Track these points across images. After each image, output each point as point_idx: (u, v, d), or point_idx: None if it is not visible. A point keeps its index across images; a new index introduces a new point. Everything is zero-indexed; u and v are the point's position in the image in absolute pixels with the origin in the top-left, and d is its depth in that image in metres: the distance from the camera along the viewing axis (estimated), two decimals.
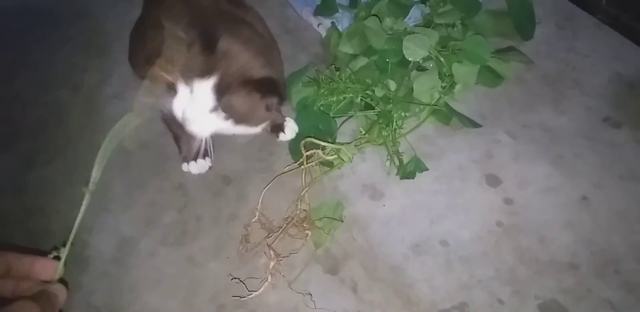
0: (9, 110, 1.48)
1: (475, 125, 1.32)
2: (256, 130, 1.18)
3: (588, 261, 1.12)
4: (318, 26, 1.63)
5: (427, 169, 1.25)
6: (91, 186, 0.86)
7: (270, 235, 1.16)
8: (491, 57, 1.37)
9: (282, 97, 1.10)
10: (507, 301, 1.08)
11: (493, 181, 1.25)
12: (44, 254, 0.75)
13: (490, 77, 1.41)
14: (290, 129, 1.35)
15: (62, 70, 1.57)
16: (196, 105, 1.00)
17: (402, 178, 1.25)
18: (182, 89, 1.02)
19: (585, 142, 1.30)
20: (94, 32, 1.67)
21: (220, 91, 1.00)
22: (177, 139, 1.30)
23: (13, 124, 1.45)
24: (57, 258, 0.77)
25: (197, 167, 1.30)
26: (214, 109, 1.01)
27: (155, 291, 1.14)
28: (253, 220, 1.18)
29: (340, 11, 1.59)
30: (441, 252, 1.15)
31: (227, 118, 1.04)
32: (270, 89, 1.06)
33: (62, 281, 0.74)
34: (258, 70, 1.06)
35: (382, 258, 1.15)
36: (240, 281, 1.13)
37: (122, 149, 1.28)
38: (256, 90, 1.03)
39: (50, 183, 1.32)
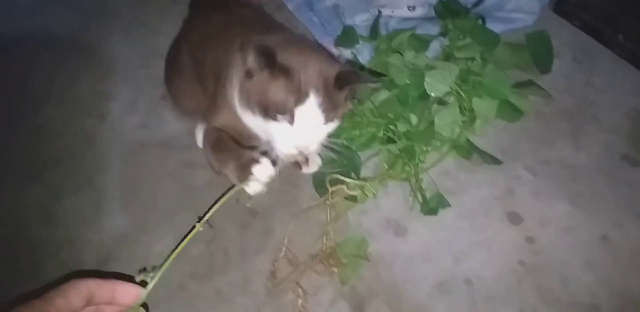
0: (37, 140, 1.51)
1: (496, 161, 1.35)
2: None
3: (608, 302, 1.15)
4: (338, 57, 1.66)
5: (449, 206, 1.28)
6: (202, 223, 0.87)
7: (296, 271, 1.19)
8: (510, 91, 1.40)
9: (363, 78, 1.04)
10: None
11: (514, 218, 1.27)
12: (126, 277, 0.76)
13: (509, 111, 1.44)
14: (314, 162, 1.37)
15: (88, 99, 1.60)
16: (306, 128, 0.96)
17: (425, 214, 1.28)
18: (277, 127, 0.97)
19: (603, 180, 1.33)
20: (118, 59, 1.70)
21: (325, 105, 0.95)
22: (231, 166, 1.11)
23: (41, 154, 1.47)
24: (144, 282, 0.78)
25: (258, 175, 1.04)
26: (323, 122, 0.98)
27: None
28: (280, 255, 1.21)
29: (360, 42, 1.61)
30: (465, 291, 1.17)
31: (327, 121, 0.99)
32: (349, 76, 0.98)
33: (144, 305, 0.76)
34: (329, 66, 0.99)
35: (407, 296, 1.17)
36: None
37: (149, 180, 1.32)
38: (345, 85, 0.98)
39: (79, 214, 1.34)
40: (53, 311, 0.64)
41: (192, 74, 1.24)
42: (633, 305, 1.13)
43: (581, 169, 1.35)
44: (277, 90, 0.95)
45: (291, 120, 0.96)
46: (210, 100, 1.14)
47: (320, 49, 1.13)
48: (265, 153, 1.05)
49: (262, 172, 1.02)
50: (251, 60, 0.95)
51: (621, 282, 1.16)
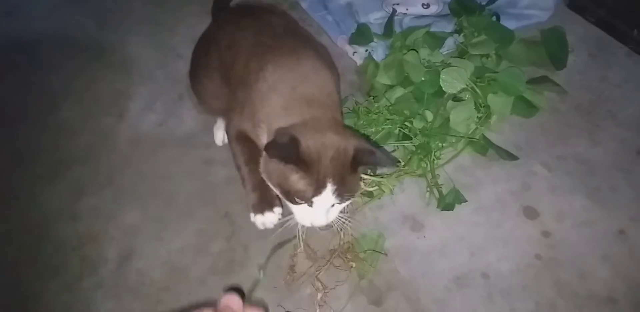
0: (57, 139, 1.53)
1: (512, 157, 1.36)
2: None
3: (625, 295, 1.15)
4: (353, 54, 1.67)
5: (466, 201, 1.29)
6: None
7: (315, 265, 1.20)
8: (526, 88, 1.41)
9: (377, 156, 1.01)
10: None
11: (531, 213, 1.28)
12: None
13: (525, 107, 1.45)
14: None
15: (106, 98, 1.62)
16: (322, 211, 1.00)
17: (442, 210, 1.29)
18: (297, 206, 1.02)
19: (620, 175, 1.33)
20: (135, 59, 1.72)
21: (340, 190, 0.97)
22: (252, 188, 1.14)
23: (61, 152, 1.50)
24: None
25: (268, 220, 1.11)
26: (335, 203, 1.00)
27: None
28: (298, 250, 1.22)
29: (375, 40, 1.63)
30: (482, 285, 1.18)
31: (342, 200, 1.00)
32: (364, 159, 1.00)
33: None
34: (346, 145, 0.99)
35: (425, 290, 1.18)
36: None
37: (168, 177, 1.34)
38: (359, 165, 1.01)
39: (102, 211, 1.37)
40: None
41: (220, 76, 1.25)
42: None
43: (597, 164, 1.35)
44: (297, 181, 0.97)
45: (310, 204, 0.99)
46: (239, 106, 1.15)
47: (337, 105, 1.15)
48: None
49: (266, 222, 1.10)
50: (272, 144, 0.96)
51: (638, 275, 1.17)
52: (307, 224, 1.03)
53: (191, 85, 1.40)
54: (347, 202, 1.04)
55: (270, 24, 1.23)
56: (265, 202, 1.10)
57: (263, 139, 1.08)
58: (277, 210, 1.10)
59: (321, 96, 1.08)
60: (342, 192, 0.97)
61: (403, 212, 1.31)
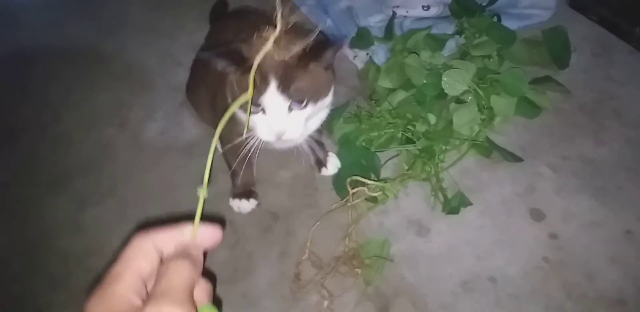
0: (58, 150, 1.53)
1: (517, 159, 1.35)
2: (330, 98, 1.05)
3: (635, 296, 1.14)
4: (354, 58, 1.67)
5: (471, 204, 1.28)
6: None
7: (320, 273, 1.20)
8: (529, 88, 1.40)
9: (334, 46, 0.96)
10: None
11: (537, 215, 1.27)
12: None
13: (528, 108, 1.44)
14: (333, 164, 1.38)
15: (107, 107, 1.62)
16: (275, 114, 0.96)
17: (447, 213, 1.28)
18: (256, 119, 0.98)
19: (626, 174, 1.32)
20: (135, 68, 1.72)
21: (285, 86, 0.93)
22: (234, 174, 1.31)
23: (63, 164, 1.50)
24: None
25: (242, 206, 1.33)
26: (291, 107, 0.96)
27: None
28: (303, 257, 1.22)
29: (375, 43, 1.62)
30: (490, 289, 1.17)
31: (304, 104, 0.97)
32: (319, 48, 0.93)
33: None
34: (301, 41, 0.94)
35: (432, 296, 1.17)
36: None
37: (171, 187, 1.34)
38: (310, 59, 0.94)
39: (106, 222, 1.36)
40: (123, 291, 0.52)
41: (206, 83, 1.26)
42: None
43: (603, 163, 1.34)
44: (241, 84, 0.96)
45: (264, 110, 0.96)
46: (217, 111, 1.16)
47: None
48: None
49: (241, 207, 1.34)
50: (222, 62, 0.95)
51: None
52: (271, 137, 0.98)
53: (186, 94, 1.39)
54: (308, 108, 0.98)
55: (252, 23, 1.23)
56: (245, 193, 1.33)
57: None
58: (253, 201, 1.34)
59: None
60: (289, 88, 0.93)
61: (408, 217, 1.30)
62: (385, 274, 1.20)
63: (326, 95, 1.03)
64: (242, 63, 0.93)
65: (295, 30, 1.10)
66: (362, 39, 1.63)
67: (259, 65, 0.90)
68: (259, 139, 1.01)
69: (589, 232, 1.23)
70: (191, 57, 1.43)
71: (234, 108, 0.59)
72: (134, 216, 1.36)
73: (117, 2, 1.92)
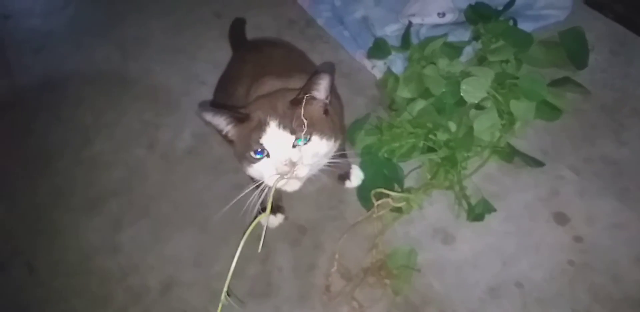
0: (92, 173, 1.60)
1: (539, 164, 1.36)
2: (332, 143, 1.05)
3: None
4: (372, 68, 1.69)
5: (495, 210, 1.30)
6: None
7: (350, 284, 1.23)
8: (548, 91, 1.40)
9: (325, 77, 0.99)
10: None
11: (561, 218, 1.28)
12: None
13: (548, 111, 1.44)
14: (356, 176, 1.41)
15: (135, 129, 1.68)
16: (280, 153, 0.98)
17: (472, 221, 1.29)
18: (261, 166, 1.02)
19: None
20: (160, 88, 1.77)
21: (286, 122, 0.97)
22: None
23: (97, 185, 1.56)
24: None
25: (271, 221, 1.37)
26: (295, 144, 0.98)
27: None
28: (333, 270, 1.25)
29: (393, 53, 1.64)
30: (517, 295, 1.19)
31: (309, 138, 0.99)
32: (312, 81, 0.99)
33: None
34: (294, 83, 1.08)
35: (460, 303, 1.20)
36: None
37: (201, 204, 1.38)
38: (306, 92, 0.98)
39: (140, 241, 1.42)
40: None
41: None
42: None
43: (626, 164, 1.34)
44: (244, 134, 1.01)
45: (267, 153, 0.99)
46: None
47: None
48: None
49: (270, 222, 1.35)
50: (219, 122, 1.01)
51: None
52: (276, 181, 0.98)
53: None
54: (320, 145, 1.01)
55: (269, 55, 1.27)
56: (273, 209, 1.31)
57: None
58: (280, 216, 1.37)
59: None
60: (291, 123, 0.96)
61: (433, 225, 1.32)
62: (413, 283, 1.23)
63: (333, 125, 1.06)
64: (241, 120, 1.00)
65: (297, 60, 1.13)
66: (380, 49, 1.65)
67: (252, 116, 0.98)
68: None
69: (613, 234, 1.24)
70: (214, 76, 1.46)
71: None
72: (167, 235, 1.41)
73: (139, 24, 1.96)
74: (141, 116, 1.70)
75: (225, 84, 1.34)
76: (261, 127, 0.97)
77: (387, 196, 1.27)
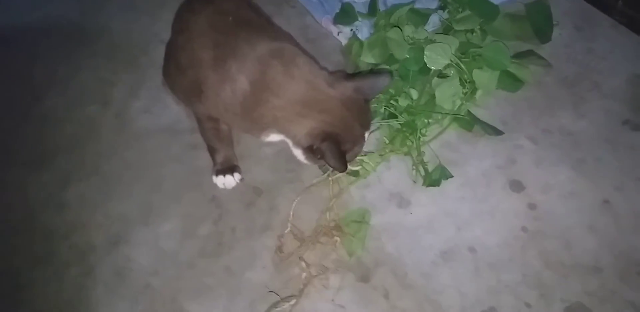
0: (42, 129, 1.54)
1: (498, 132, 1.36)
2: None
3: (611, 264, 1.16)
4: (338, 34, 1.66)
5: (452, 177, 1.29)
6: None
7: (302, 245, 1.22)
8: (511, 62, 1.40)
9: None
10: (534, 305, 1.12)
11: (517, 186, 1.28)
12: None
13: (510, 82, 1.44)
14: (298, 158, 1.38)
15: (90, 86, 1.62)
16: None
17: (427, 186, 1.29)
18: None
19: (605, 146, 1.33)
20: (119, 46, 1.72)
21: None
22: (212, 151, 1.35)
23: (47, 142, 1.51)
24: None
25: (227, 182, 1.34)
26: None
27: (196, 301, 1.20)
28: (286, 231, 1.24)
29: (359, 19, 1.61)
30: (469, 259, 1.19)
31: None
32: (365, 89, 1.16)
33: None
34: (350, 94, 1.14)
35: (412, 265, 1.19)
36: (276, 293, 1.18)
37: (154, 163, 1.34)
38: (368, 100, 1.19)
39: (89, 199, 1.37)
40: None
41: (181, 61, 1.25)
42: (635, 266, 1.14)
43: (583, 136, 1.35)
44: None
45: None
46: (199, 92, 1.17)
47: None
48: None
49: (226, 183, 1.34)
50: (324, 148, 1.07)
51: (624, 244, 1.17)
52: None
53: (163, 74, 1.39)
54: None
55: (222, 11, 1.23)
56: (229, 169, 1.34)
57: (263, 135, 1.18)
58: (237, 176, 1.34)
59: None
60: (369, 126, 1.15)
61: (390, 190, 1.31)
62: (367, 246, 1.22)
63: None
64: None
65: None
66: (346, 14, 1.62)
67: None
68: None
69: (568, 202, 1.24)
70: None
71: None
72: (117, 193, 1.38)
73: None
74: (97, 73, 1.65)
75: (177, 52, 1.27)
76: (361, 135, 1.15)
77: None
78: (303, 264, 1.18)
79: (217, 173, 1.34)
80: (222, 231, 1.29)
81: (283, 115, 1.08)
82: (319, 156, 1.08)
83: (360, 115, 1.11)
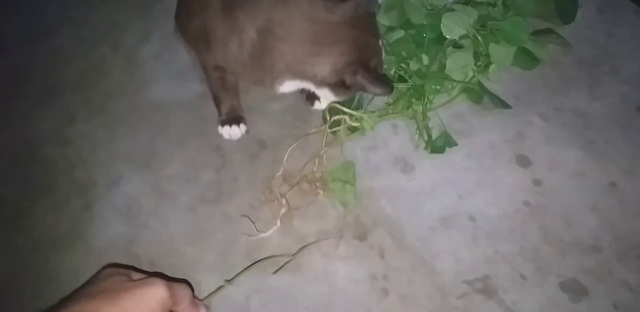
0: (50, 65, 1.51)
1: (506, 106, 1.34)
2: None
3: (611, 244, 1.15)
4: None
5: (456, 144, 1.28)
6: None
7: (286, 185, 1.25)
8: (529, 39, 1.37)
9: None
10: (529, 277, 1.12)
11: (523, 161, 1.27)
12: None
13: (526, 59, 1.42)
14: (325, 99, 1.36)
15: (102, 27, 1.59)
16: None
17: (431, 152, 1.28)
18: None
19: (617, 129, 1.32)
20: None
21: None
22: (217, 101, 1.33)
23: (54, 79, 1.48)
24: None
25: (232, 132, 1.33)
26: None
27: (193, 244, 1.20)
28: (277, 174, 1.24)
29: None
30: (468, 227, 1.18)
31: None
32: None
33: None
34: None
35: (410, 228, 1.19)
36: (251, 220, 1.22)
37: (161, 108, 1.33)
38: None
39: (92, 137, 1.36)
40: None
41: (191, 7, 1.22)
42: (634, 249, 1.14)
43: (595, 117, 1.34)
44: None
45: None
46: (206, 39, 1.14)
47: None
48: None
49: (232, 133, 1.33)
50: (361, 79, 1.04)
51: (626, 227, 1.17)
52: None
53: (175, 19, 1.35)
54: None
55: None
56: (235, 119, 1.32)
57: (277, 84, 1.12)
58: (243, 127, 1.33)
59: None
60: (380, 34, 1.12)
61: (394, 154, 1.30)
62: (366, 205, 1.22)
63: None
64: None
65: None
66: None
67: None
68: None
69: (573, 181, 1.23)
70: None
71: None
72: (121, 133, 1.36)
73: None
74: (109, 16, 1.62)
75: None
76: None
77: (343, 112, 1.24)
78: (284, 201, 1.20)
79: (223, 123, 1.33)
80: (223, 179, 1.28)
81: (295, 59, 1.04)
82: (354, 89, 1.07)
83: (369, 28, 1.08)
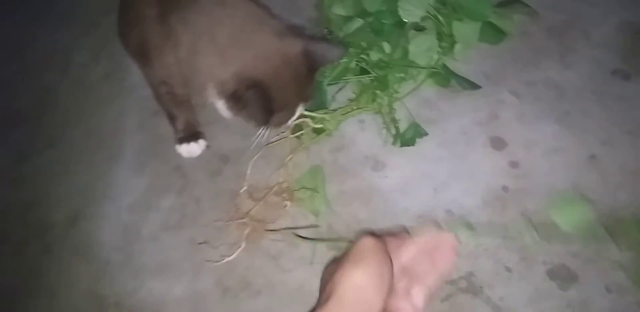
0: None
1: (475, 86, 1.27)
2: None
3: (597, 220, 1.07)
4: None
5: (426, 134, 1.22)
6: None
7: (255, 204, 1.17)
8: (493, 12, 1.30)
9: None
10: (515, 268, 1.06)
11: (498, 143, 1.20)
12: None
13: (492, 33, 1.34)
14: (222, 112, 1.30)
15: (47, 51, 1.54)
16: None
17: (401, 145, 1.22)
18: None
19: (592, 97, 1.24)
20: (77, 7, 1.62)
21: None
22: (171, 118, 1.27)
23: (2, 114, 1.44)
24: None
25: (191, 149, 1.27)
26: None
27: (159, 277, 1.15)
28: (241, 190, 1.18)
29: None
30: (446, 222, 1.12)
31: None
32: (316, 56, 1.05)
33: None
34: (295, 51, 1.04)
35: (386, 231, 1.12)
36: (213, 246, 1.16)
37: (117, 132, 1.27)
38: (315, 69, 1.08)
39: (48, 172, 1.32)
40: None
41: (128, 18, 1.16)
42: (622, 223, 1.06)
43: (568, 87, 1.26)
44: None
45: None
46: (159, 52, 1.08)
47: None
48: None
49: (191, 151, 1.26)
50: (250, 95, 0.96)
51: (610, 201, 1.10)
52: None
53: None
54: None
55: None
56: (192, 136, 1.25)
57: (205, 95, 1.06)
58: (202, 142, 1.27)
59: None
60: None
61: (363, 152, 1.24)
62: (338, 212, 1.16)
63: None
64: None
65: None
66: None
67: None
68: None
69: (552, 158, 1.17)
70: None
71: None
72: (76, 165, 1.31)
73: None
74: (53, 37, 1.57)
75: (124, 9, 1.19)
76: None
77: (306, 116, 1.18)
78: (247, 219, 1.14)
79: (181, 141, 1.27)
80: (186, 202, 1.23)
81: (212, 60, 0.99)
82: (241, 107, 0.99)
83: (300, 82, 1.01)
